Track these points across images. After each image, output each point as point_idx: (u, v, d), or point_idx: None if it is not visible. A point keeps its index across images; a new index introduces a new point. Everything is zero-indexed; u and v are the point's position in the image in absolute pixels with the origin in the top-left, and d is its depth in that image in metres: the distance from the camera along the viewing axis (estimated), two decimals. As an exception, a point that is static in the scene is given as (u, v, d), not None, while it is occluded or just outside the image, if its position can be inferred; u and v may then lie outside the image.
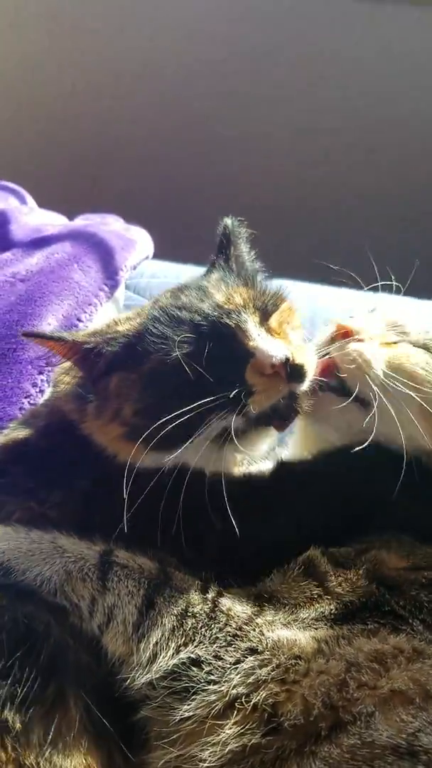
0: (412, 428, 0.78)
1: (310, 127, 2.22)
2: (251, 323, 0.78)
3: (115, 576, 0.72)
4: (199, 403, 0.71)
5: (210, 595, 0.71)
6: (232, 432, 0.73)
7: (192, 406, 0.70)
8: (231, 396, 0.72)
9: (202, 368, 0.73)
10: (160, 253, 1.59)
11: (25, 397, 1.09)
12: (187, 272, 1.54)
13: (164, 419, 0.71)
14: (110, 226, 1.52)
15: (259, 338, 0.76)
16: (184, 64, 2.23)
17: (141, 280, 1.45)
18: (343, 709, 0.61)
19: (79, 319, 1.20)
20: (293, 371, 0.75)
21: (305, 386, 0.78)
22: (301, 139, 2.25)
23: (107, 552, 0.74)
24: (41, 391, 1.10)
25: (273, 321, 0.81)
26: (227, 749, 0.61)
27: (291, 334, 0.82)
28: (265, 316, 0.81)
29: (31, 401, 1.09)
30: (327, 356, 0.82)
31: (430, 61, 2.10)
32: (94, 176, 2.43)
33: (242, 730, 0.61)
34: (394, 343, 0.85)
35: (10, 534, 0.76)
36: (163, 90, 2.30)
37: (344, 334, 0.83)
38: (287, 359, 0.74)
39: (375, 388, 0.78)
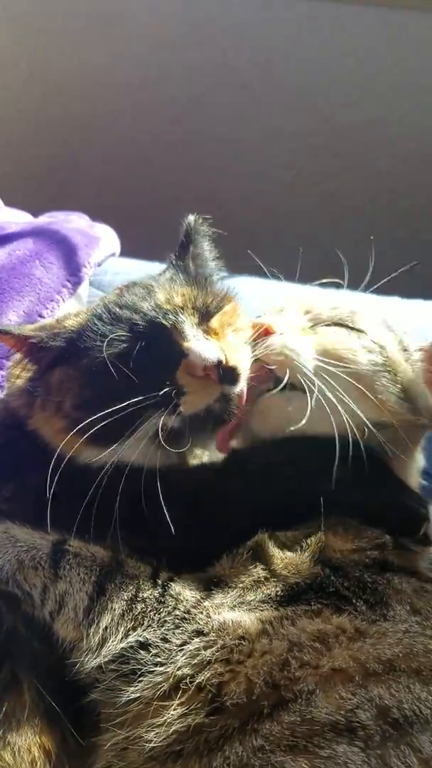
0: (350, 406, 0.79)
1: (284, 129, 2.24)
2: (188, 323, 0.78)
3: (67, 564, 0.73)
4: (129, 402, 0.71)
5: (160, 580, 0.73)
6: (163, 430, 0.74)
7: (122, 405, 0.71)
8: (161, 395, 0.73)
9: (132, 367, 0.74)
10: (133, 252, 1.59)
11: (-16, 393, 1.09)
12: (153, 269, 1.55)
13: (98, 415, 0.72)
14: (74, 223, 1.52)
15: (193, 339, 0.76)
16: (158, 61, 2.25)
17: (105, 277, 1.45)
18: (285, 687, 0.63)
19: (41, 315, 1.20)
20: (226, 373, 0.76)
21: (238, 389, 0.78)
22: (276, 140, 2.27)
23: (60, 541, 0.75)
24: (0, 387, 1.11)
25: (214, 322, 0.82)
26: (172, 729, 0.62)
27: (231, 335, 0.82)
28: (205, 316, 0.81)
29: (-10, 397, 1.09)
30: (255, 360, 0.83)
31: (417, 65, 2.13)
32: (64, 173, 2.43)
33: (187, 711, 0.63)
34: (312, 327, 0.87)
35: None
36: (135, 87, 2.30)
37: (265, 332, 0.84)
38: (219, 362, 0.75)
39: (309, 374, 0.79)
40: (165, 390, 0.73)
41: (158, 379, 0.74)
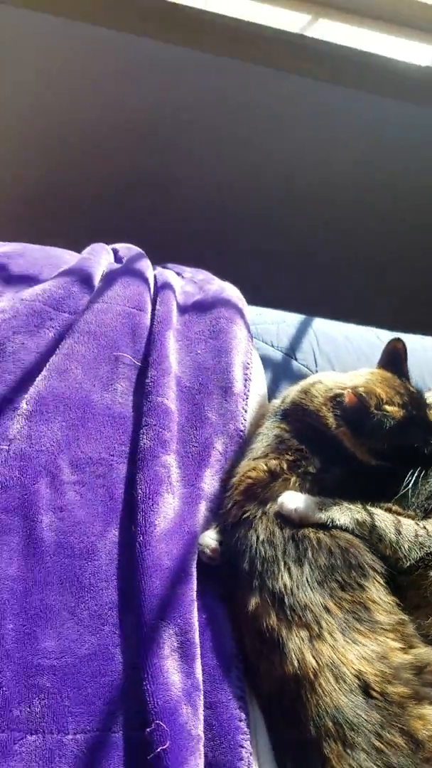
0: None
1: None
2: None
3: (377, 517, 1.43)
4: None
5: (421, 524, 1.45)
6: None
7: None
8: None
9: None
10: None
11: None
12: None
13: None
14: (215, 282, 2.14)
15: None
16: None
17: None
18: None
19: (248, 363, 1.85)
20: None
21: None
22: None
23: (366, 507, 1.45)
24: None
25: None
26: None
27: None
28: None
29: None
30: None
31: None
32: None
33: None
34: None
35: (306, 498, 1.44)
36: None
37: None
38: None
39: None
40: None
41: None
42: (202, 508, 1.49)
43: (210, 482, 1.55)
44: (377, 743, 1.12)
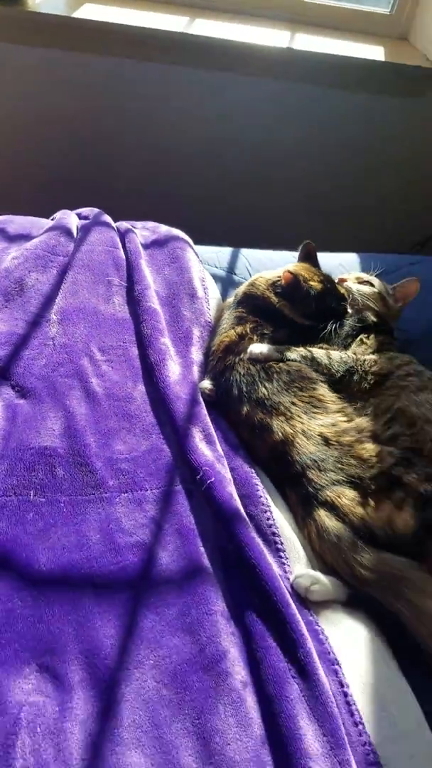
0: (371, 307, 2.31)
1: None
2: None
3: (314, 351, 2.09)
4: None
5: (343, 352, 2.13)
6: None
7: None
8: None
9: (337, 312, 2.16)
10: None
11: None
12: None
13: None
14: (163, 227, 2.74)
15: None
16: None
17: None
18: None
19: (203, 278, 2.47)
20: None
21: None
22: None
23: (306, 347, 2.11)
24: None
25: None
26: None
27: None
28: None
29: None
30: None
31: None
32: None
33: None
34: (360, 282, 2.38)
35: (267, 345, 2.09)
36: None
37: (342, 280, 2.34)
38: None
39: (357, 295, 2.29)
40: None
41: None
42: (195, 369, 2.11)
43: (196, 355, 2.18)
44: (339, 465, 1.78)
